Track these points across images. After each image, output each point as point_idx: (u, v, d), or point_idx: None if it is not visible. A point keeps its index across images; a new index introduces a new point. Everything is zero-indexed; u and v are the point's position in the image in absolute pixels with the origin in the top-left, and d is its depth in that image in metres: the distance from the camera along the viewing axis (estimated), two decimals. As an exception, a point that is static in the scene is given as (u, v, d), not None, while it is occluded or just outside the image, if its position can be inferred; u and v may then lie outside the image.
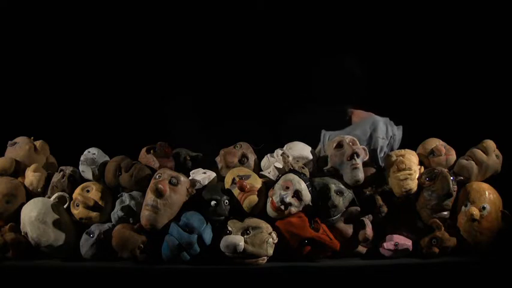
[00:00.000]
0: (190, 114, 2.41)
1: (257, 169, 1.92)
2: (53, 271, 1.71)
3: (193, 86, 2.43)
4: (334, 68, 2.35)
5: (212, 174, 1.87)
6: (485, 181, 1.87)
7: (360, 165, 1.83)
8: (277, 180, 1.80)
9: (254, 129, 2.23)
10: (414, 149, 1.93)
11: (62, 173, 1.88)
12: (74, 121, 2.39)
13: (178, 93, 2.42)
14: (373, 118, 2.06)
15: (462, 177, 1.85)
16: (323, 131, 2.06)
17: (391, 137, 2.00)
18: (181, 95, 2.41)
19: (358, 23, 2.38)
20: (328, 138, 2.05)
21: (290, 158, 1.86)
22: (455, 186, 1.80)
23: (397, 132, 2.03)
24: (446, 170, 1.83)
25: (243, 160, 1.91)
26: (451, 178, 1.80)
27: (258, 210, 1.76)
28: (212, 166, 1.93)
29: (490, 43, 2.30)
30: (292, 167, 1.82)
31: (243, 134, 2.01)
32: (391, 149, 1.99)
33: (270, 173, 1.86)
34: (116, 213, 1.79)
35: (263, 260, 1.72)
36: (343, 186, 1.81)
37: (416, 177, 1.83)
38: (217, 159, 1.93)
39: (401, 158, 1.85)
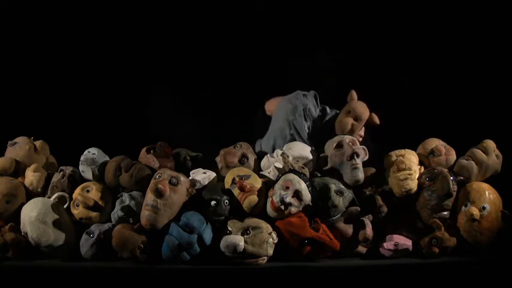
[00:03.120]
0: (190, 114, 2.42)
1: (257, 169, 1.92)
2: (53, 271, 1.71)
3: (192, 86, 2.44)
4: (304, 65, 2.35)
5: (212, 174, 1.87)
6: (485, 181, 1.87)
7: (360, 165, 1.83)
8: (277, 180, 1.80)
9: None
10: (414, 149, 1.93)
11: (62, 173, 1.88)
12: (74, 121, 2.39)
13: (177, 94, 2.42)
14: (280, 104, 2.06)
15: (462, 177, 1.85)
16: (257, 141, 2.09)
17: (303, 109, 2.01)
18: (181, 95, 2.42)
19: (358, 22, 2.38)
20: (261, 145, 2.06)
21: (290, 158, 1.86)
22: (455, 186, 1.81)
23: (309, 100, 2.02)
24: (446, 170, 1.83)
25: (243, 160, 1.90)
26: (451, 178, 1.80)
27: (258, 210, 1.76)
28: (212, 166, 1.93)
29: (490, 43, 2.30)
30: (292, 167, 1.82)
31: (242, 133, 2.02)
32: (313, 119, 1.99)
33: (270, 173, 1.86)
34: (116, 213, 1.79)
35: (263, 260, 1.72)
36: (343, 186, 1.81)
37: (416, 177, 1.83)
38: (217, 159, 1.93)
39: (401, 158, 1.85)
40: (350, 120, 1.98)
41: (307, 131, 2.00)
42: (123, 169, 1.81)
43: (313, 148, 1.97)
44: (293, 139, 2.00)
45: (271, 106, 2.13)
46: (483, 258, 1.78)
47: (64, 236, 1.79)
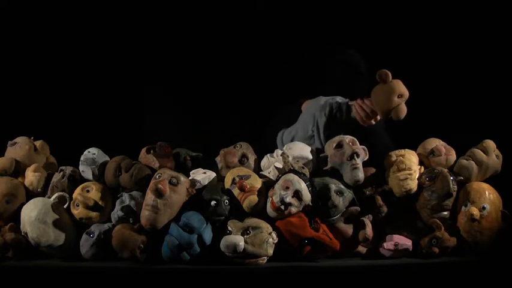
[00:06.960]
0: (191, 115, 2.42)
1: (257, 169, 1.92)
2: (53, 271, 1.71)
3: (193, 87, 2.44)
4: (342, 63, 2.34)
5: (212, 174, 1.87)
6: (485, 181, 1.87)
7: (360, 165, 1.83)
8: (277, 180, 1.80)
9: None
10: (414, 149, 1.93)
11: (62, 173, 1.88)
12: (74, 121, 2.39)
13: (178, 94, 2.42)
14: (314, 100, 2.06)
15: (462, 177, 1.85)
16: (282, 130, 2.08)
17: (329, 110, 2.00)
18: (181, 95, 2.42)
19: (358, 22, 2.38)
20: (283, 134, 2.06)
21: (290, 158, 1.86)
22: (455, 186, 1.80)
23: (341, 107, 2.01)
24: (446, 170, 1.83)
25: (243, 160, 1.90)
26: (451, 178, 1.80)
27: (258, 210, 1.76)
28: (212, 166, 1.93)
29: (490, 43, 2.30)
30: (292, 167, 1.82)
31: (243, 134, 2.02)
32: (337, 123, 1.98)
33: (270, 173, 1.86)
34: (116, 213, 1.79)
35: (263, 260, 1.72)
36: (343, 186, 1.81)
37: (416, 177, 1.83)
38: (217, 159, 1.93)
39: (401, 158, 1.85)
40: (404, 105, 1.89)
41: (327, 133, 1.98)
42: (123, 169, 1.81)
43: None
44: (312, 136, 2.00)
45: (306, 105, 2.13)
46: (483, 258, 1.78)
47: (64, 236, 1.78)
